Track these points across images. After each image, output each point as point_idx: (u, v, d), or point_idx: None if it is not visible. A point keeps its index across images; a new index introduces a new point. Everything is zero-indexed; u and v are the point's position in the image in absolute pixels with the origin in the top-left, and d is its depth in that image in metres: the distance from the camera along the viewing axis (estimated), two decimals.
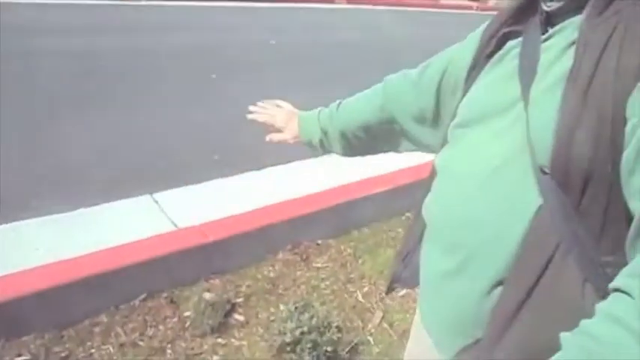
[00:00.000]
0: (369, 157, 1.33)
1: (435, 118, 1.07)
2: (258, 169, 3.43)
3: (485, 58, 0.89)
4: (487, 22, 0.95)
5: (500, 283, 0.77)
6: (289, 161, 3.51)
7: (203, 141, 3.90)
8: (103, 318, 2.14)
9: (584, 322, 0.59)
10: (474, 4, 13.65)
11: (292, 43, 7.22)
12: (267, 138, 1.31)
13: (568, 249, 0.70)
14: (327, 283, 2.55)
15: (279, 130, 1.30)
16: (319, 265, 2.67)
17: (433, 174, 0.95)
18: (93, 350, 2.01)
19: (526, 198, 0.73)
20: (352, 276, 2.62)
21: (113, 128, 3.94)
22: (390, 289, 1.11)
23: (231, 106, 4.48)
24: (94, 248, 2.33)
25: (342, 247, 2.82)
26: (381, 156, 1.31)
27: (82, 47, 5.76)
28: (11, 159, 3.24)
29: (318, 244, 2.81)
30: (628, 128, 0.65)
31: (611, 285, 0.61)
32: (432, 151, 1.06)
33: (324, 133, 1.24)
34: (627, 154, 0.65)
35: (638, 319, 0.54)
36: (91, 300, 2.15)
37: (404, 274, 1.04)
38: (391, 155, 1.29)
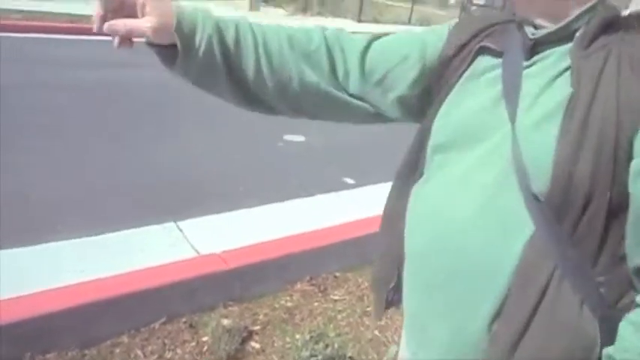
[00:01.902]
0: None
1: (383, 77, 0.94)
2: (281, 200, 3.50)
3: (455, 70, 0.87)
4: (455, 23, 0.91)
5: (496, 316, 0.75)
6: (312, 194, 3.58)
7: (229, 172, 4.00)
8: (124, 339, 2.19)
9: (619, 335, 0.69)
10: None
11: None
12: (106, 25, 0.80)
13: (564, 274, 0.70)
14: (344, 315, 2.56)
15: (131, 13, 0.81)
16: (336, 297, 2.69)
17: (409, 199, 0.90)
18: None
19: (517, 226, 0.72)
20: (369, 309, 2.62)
21: (140, 157, 4.08)
22: (380, 315, 1.08)
23: (256, 140, 4.62)
24: (118, 272, 2.40)
25: (360, 280, 2.84)
26: None
27: (106, 79, 5.98)
28: (38, 184, 3.38)
29: (336, 277, 2.84)
30: (634, 166, 0.67)
31: (637, 299, 0.69)
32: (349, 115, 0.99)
33: (219, 31, 0.85)
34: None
35: None
36: (113, 321, 2.21)
37: (395, 298, 1.01)
38: None
